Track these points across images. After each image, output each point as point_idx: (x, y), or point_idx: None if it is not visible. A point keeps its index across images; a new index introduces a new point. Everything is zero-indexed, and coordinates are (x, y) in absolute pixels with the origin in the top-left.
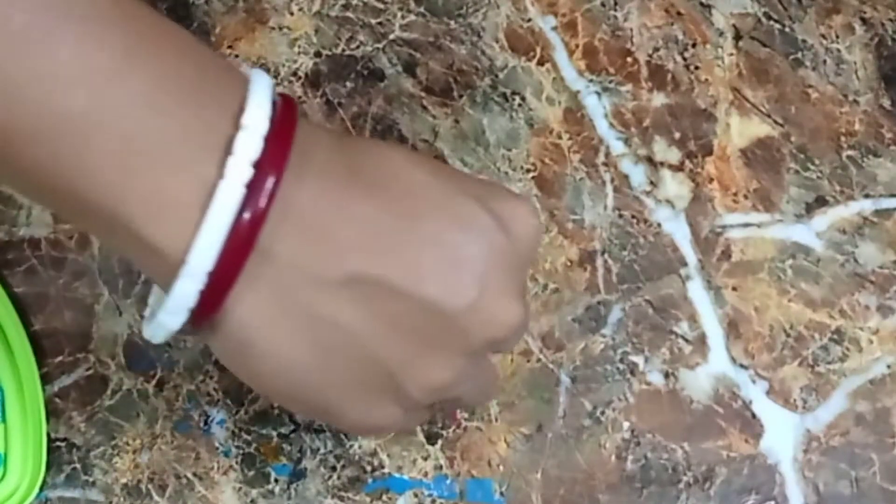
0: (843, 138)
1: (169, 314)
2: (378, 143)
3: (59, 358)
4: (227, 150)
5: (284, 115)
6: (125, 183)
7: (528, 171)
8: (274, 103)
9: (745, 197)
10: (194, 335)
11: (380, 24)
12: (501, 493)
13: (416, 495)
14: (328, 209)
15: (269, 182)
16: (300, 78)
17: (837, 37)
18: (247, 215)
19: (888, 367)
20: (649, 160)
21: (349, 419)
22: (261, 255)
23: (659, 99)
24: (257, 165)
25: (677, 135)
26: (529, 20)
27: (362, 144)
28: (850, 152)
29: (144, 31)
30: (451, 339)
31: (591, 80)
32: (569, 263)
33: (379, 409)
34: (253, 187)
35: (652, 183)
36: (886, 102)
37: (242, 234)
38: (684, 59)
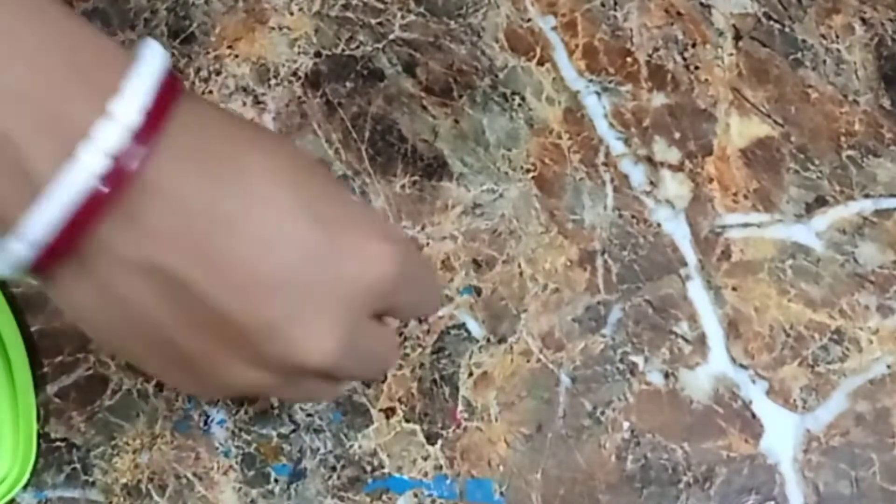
0: (843, 138)
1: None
2: (251, 147)
3: (59, 358)
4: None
5: (160, 102)
6: None
7: (528, 171)
8: (162, 83)
9: (745, 197)
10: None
11: (380, 24)
12: (501, 493)
13: (415, 495)
14: (164, 194)
15: (128, 163)
16: (300, 78)
17: (837, 37)
18: (89, 194)
19: (888, 367)
20: (649, 160)
21: (184, 388)
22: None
23: (659, 99)
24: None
25: (677, 135)
26: (529, 20)
27: (231, 140)
28: (850, 152)
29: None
30: (248, 352)
31: (590, 80)
32: (569, 263)
33: (206, 380)
34: (117, 163)
35: (652, 183)
36: (886, 102)
37: (80, 214)
38: (684, 59)
